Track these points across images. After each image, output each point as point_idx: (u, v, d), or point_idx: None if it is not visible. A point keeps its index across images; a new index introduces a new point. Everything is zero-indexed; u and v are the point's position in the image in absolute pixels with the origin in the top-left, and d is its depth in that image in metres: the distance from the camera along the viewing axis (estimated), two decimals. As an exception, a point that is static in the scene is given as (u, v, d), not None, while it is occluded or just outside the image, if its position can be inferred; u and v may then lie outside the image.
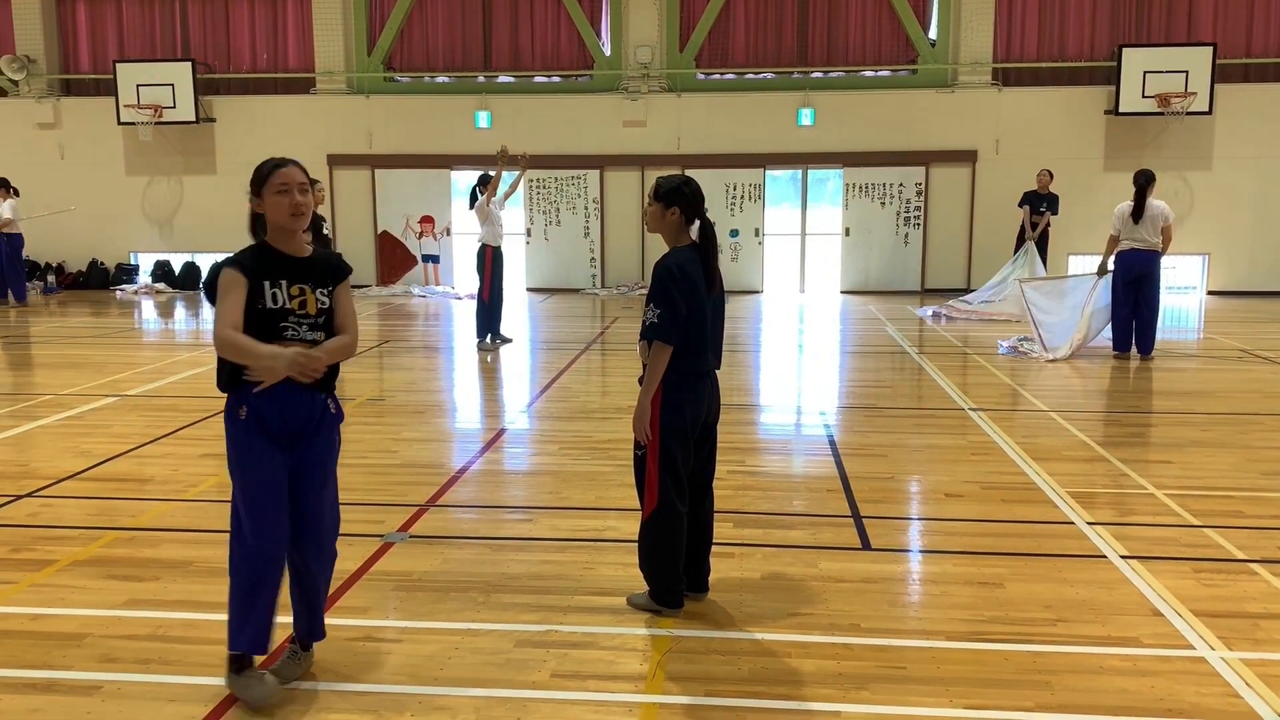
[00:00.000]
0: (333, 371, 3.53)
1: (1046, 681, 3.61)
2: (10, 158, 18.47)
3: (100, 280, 18.81)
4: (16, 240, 15.85)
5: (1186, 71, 16.27)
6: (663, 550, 4.13)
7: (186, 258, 18.73)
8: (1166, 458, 6.71)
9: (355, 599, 4.34)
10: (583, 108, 17.84)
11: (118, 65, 17.92)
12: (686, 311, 3.96)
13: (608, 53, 17.94)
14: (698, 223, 4.13)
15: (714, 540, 4.46)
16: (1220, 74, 16.43)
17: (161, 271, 18.66)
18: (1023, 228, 14.70)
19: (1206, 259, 17.34)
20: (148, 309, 15.99)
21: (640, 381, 4.07)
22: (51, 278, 18.58)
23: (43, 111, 18.62)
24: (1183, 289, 17.46)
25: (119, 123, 17.98)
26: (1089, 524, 5.31)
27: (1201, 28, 16.98)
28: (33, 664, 3.73)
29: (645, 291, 4.07)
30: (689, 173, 17.25)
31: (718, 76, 17.89)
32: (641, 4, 17.53)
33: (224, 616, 4.14)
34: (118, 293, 18.14)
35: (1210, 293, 17.28)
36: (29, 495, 5.84)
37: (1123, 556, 4.82)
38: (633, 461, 4.22)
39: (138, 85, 17.72)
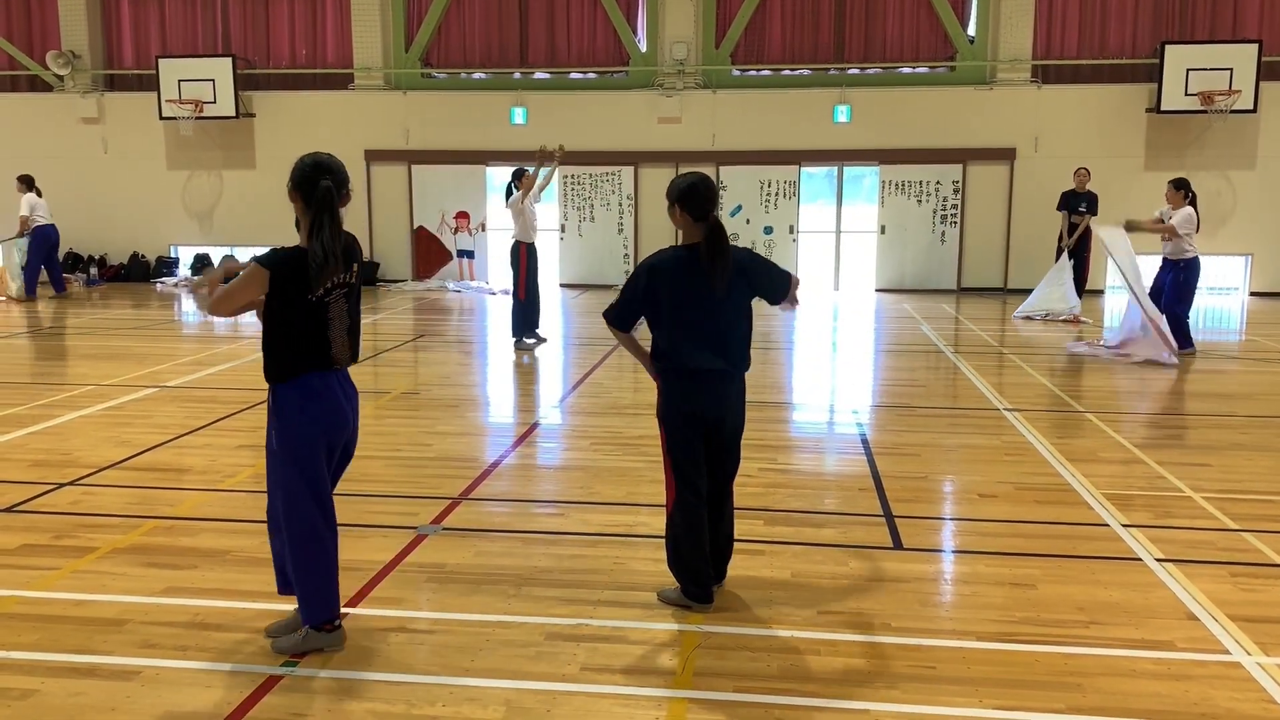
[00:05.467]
0: (266, 362, 3.69)
1: (1078, 684, 3.58)
2: (55, 152, 18.79)
3: (141, 273, 19.08)
4: (38, 235, 15.71)
5: (1231, 69, 16.00)
6: (682, 541, 4.18)
7: (226, 251, 18.94)
8: (1205, 460, 6.62)
9: (388, 590, 4.40)
10: (618, 104, 17.85)
11: (160, 61, 18.16)
12: (656, 310, 4.10)
13: (643, 49, 17.94)
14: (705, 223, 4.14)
15: (741, 538, 4.49)
16: (1265, 71, 16.14)
17: (201, 265, 18.89)
18: (1061, 233, 14.51)
19: (1249, 259, 17.07)
20: (187, 301, 16.21)
21: None
22: (94, 270, 18.85)
23: (87, 106, 18.91)
24: (1225, 290, 17.21)
25: (161, 118, 18.22)
26: (1124, 526, 5.26)
27: (1247, 24, 16.70)
28: (75, 648, 3.81)
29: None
30: (724, 169, 17.36)
31: (753, 73, 17.84)
32: (678, 0, 17.51)
33: (262, 605, 4.21)
34: (158, 285, 18.39)
35: (1253, 294, 17.00)
36: (71, 483, 5.95)
37: (1158, 559, 4.77)
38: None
39: (179, 81, 17.94)
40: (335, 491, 3.86)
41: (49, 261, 16.10)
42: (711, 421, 4.20)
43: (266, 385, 3.71)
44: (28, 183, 15.92)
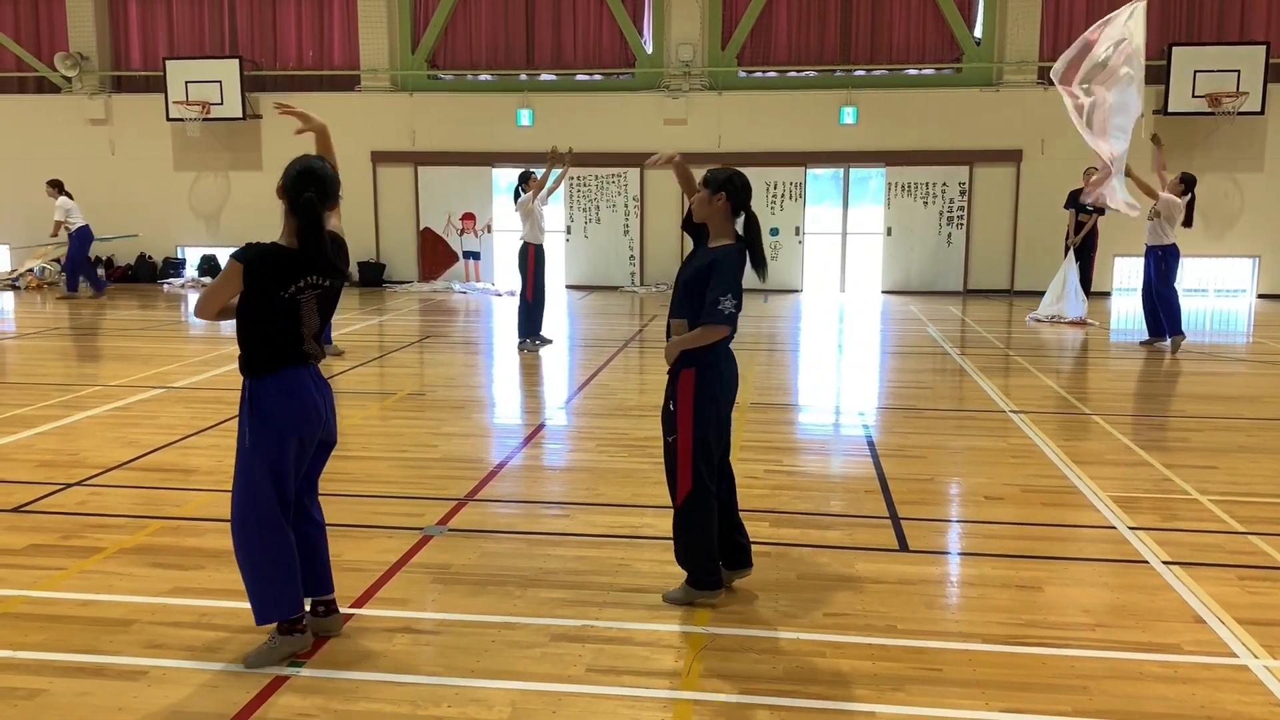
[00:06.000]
0: (240, 349, 3.73)
1: (1085, 687, 3.57)
2: (63, 153, 18.84)
3: (148, 274, 19.13)
4: (79, 235, 16.09)
5: (1238, 71, 15.98)
6: (699, 532, 4.21)
7: (232, 252, 18.96)
8: (1212, 463, 6.60)
9: (394, 591, 4.40)
10: (624, 106, 17.86)
11: (167, 62, 18.21)
12: None
13: (649, 51, 17.95)
14: (743, 215, 4.25)
15: (751, 540, 4.49)
16: (1273, 73, 16.11)
17: (208, 266, 18.93)
18: (1068, 231, 14.50)
19: (1257, 262, 17.03)
20: (193, 302, 16.22)
21: (669, 338, 4.24)
22: (101, 271, 18.88)
23: (94, 108, 18.97)
24: (1232, 292, 17.16)
25: (168, 119, 18.27)
26: (1131, 529, 5.24)
27: (1254, 26, 16.66)
28: (82, 648, 3.82)
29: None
30: (730, 171, 17.29)
31: (760, 74, 17.84)
32: (683, 2, 17.51)
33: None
34: (165, 286, 18.43)
35: (1260, 296, 16.96)
36: (78, 484, 5.97)
37: (1165, 562, 4.76)
38: (664, 451, 4.28)
39: (186, 82, 18.00)
40: (339, 492, 3.87)
41: (85, 256, 16.31)
42: (734, 394, 4.33)
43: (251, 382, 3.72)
44: (58, 186, 16.14)
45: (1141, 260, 11.72)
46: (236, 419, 3.77)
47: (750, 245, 4.21)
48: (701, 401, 4.13)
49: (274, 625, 3.75)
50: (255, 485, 3.68)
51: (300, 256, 3.64)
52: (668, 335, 4.26)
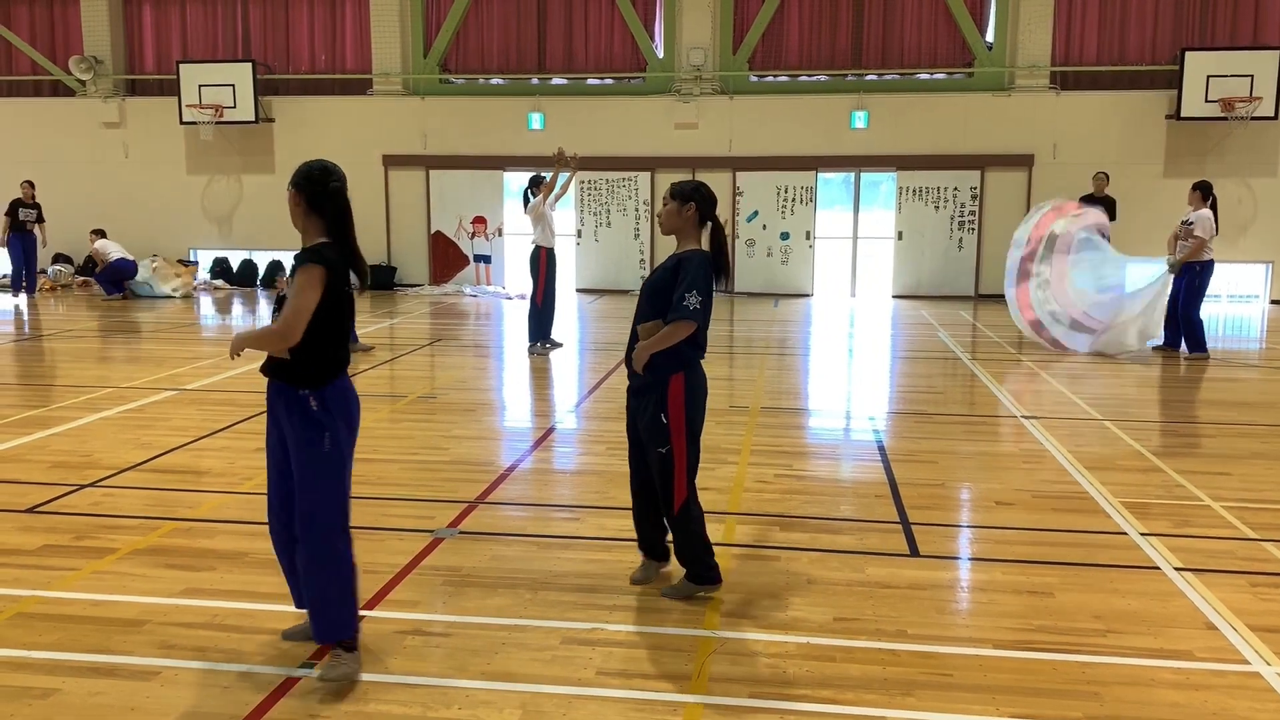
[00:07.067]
0: (298, 363, 3.55)
1: (1095, 692, 3.57)
2: (76, 156, 18.96)
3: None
4: (112, 267, 16.74)
5: (1252, 75, 15.90)
6: (696, 532, 4.31)
7: (244, 255, 19.05)
8: (1224, 469, 6.57)
9: (404, 593, 4.41)
10: (635, 110, 17.88)
11: (181, 66, 18.30)
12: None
13: (661, 55, 17.96)
14: (709, 225, 4.37)
15: (757, 543, 4.54)
16: (1287, 78, 16.05)
17: (220, 269, 19.00)
18: None
19: (1270, 267, 16.94)
20: (206, 305, 16.31)
21: (642, 339, 4.26)
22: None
23: (108, 111, 19.07)
24: (1245, 298, 17.09)
25: (181, 122, 18.36)
26: (1142, 534, 5.23)
27: (1268, 30, 16.59)
28: (94, 648, 3.84)
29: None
30: (741, 175, 17.41)
31: (771, 79, 17.83)
32: (695, 6, 17.52)
33: (280, 607, 4.21)
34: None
35: (1274, 302, 16.87)
36: (91, 485, 6.00)
37: (1177, 568, 4.74)
38: (658, 462, 4.29)
39: (199, 85, 18.08)
40: (350, 494, 3.86)
41: (119, 281, 16.86)
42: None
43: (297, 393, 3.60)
44: (100, 234, 17.18)
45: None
46: (268, 429, 3.72)
47: (716, 252, 4.30)
48: (692, 406, 4.24)
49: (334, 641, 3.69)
50: (341, 492, 3.66)
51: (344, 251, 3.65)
52: (631, 343, 4.30)
